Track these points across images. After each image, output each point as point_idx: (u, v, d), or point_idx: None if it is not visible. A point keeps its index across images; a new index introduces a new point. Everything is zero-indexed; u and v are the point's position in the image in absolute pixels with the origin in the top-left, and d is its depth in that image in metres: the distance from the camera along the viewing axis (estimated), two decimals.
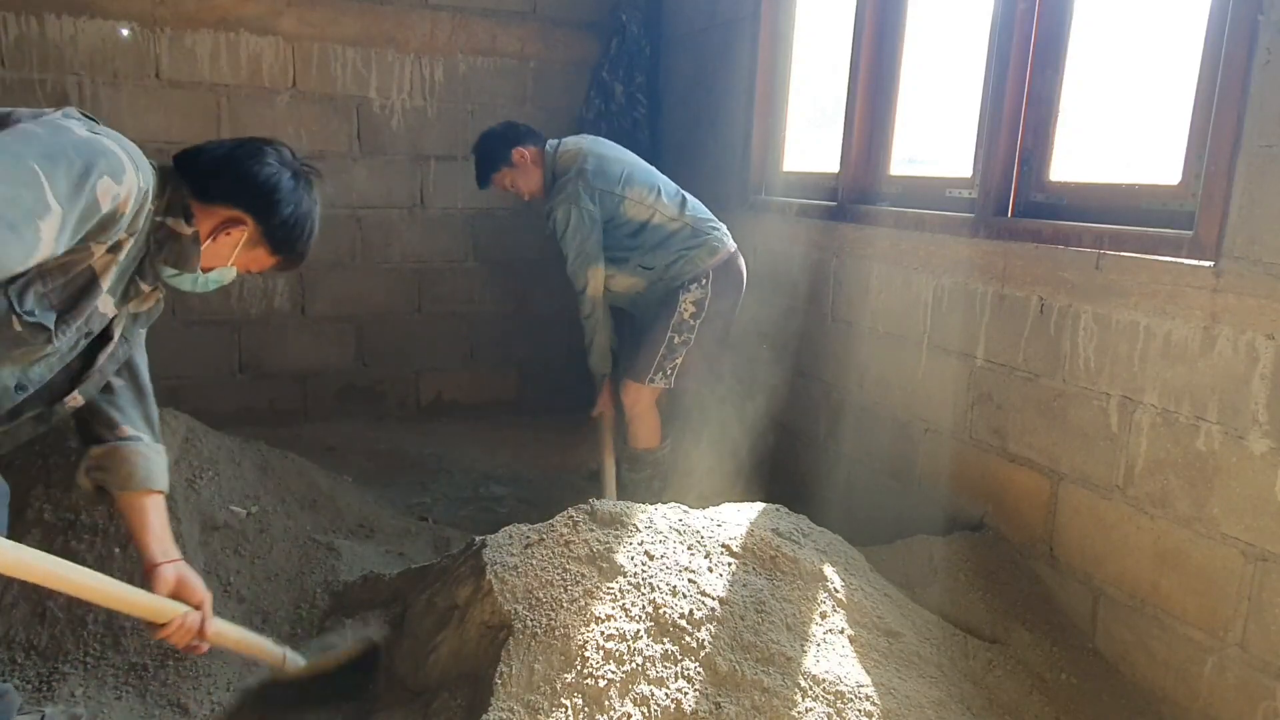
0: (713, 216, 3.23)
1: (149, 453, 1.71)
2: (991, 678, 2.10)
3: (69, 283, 1.41)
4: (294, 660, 1.92)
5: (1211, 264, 1.95)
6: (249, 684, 2.09)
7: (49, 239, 1.24)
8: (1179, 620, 2.07)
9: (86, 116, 1.42)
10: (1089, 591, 2.28)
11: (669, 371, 3.16)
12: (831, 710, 1.81)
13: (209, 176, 1.57)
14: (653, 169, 3.25)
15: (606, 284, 3.15)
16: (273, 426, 3.98)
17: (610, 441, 3.31)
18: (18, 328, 1.36)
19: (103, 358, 1.62)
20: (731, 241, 3.20)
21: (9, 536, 1.41)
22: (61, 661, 2.08)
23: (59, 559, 1.41)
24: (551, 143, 3.22)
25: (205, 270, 1.64)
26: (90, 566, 1.60)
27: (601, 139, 3.34)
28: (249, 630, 1.85)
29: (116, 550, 2.22)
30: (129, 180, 1.36)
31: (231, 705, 2.07)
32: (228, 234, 1.59)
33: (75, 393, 1.60)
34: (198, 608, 1.68)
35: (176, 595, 1.66)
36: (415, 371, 4.60)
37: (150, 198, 1.46)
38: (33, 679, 2.05)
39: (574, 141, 3.23)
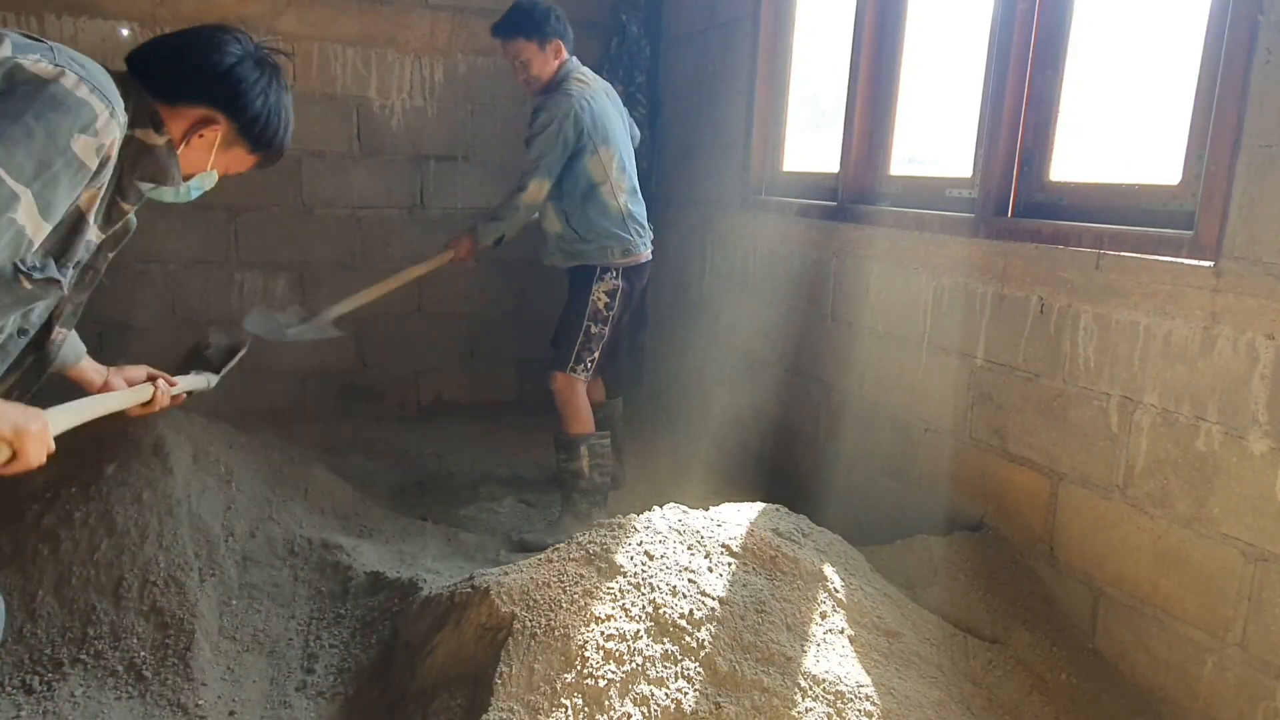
0: (646, 221, 3.29)
1: (74, 339, 1.71)
2: (991, 678, 2.10)
3: (59, 226, 1.34)
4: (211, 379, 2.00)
5: (1211, 264, 1.95)
6: None
7: (31, 224, 1.19)
8: (1179, 620, 2.07)
9: (30, 38, 1.29)
10: (1089, 591, 2.28)
11: (588, 364, 3.22)
12: (831, 710, 1.81)
13: (168, 75, 1.44)
14: (630, 152, 3.30)
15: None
16: (273, 426, 3.98)
17: (419, 269, 3.39)
18: (28, 286, 1.32)
19: (79, 288, 1.55)
20: (649, 250, 3.29)
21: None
22: (62, 661, 2.08)
23: (69, 405, 1.49)
24: (576, 60, 3.24)
25: (185, 179, 1.54)
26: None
27: (612, 99, 3.34)
28: (190, 376, 1.93)
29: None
30: (105, 125, 1.26)
31: None
32: (200, 136, 1.48)
33: (57, 327, 1.55)
34: (150, 381, 1.76)
35: (131, 384, 1.75)
36: (415, 371, 4.60)
37: (124, 124, 1.36)
38: (33, 679, 2.05)
39: (590, 74, 3.26)
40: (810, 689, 1.83)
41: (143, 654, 2.12)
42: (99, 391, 1.72)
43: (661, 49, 4.56)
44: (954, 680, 2.06)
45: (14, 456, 1.28)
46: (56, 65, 1.23)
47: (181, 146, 1.48)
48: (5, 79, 1.19)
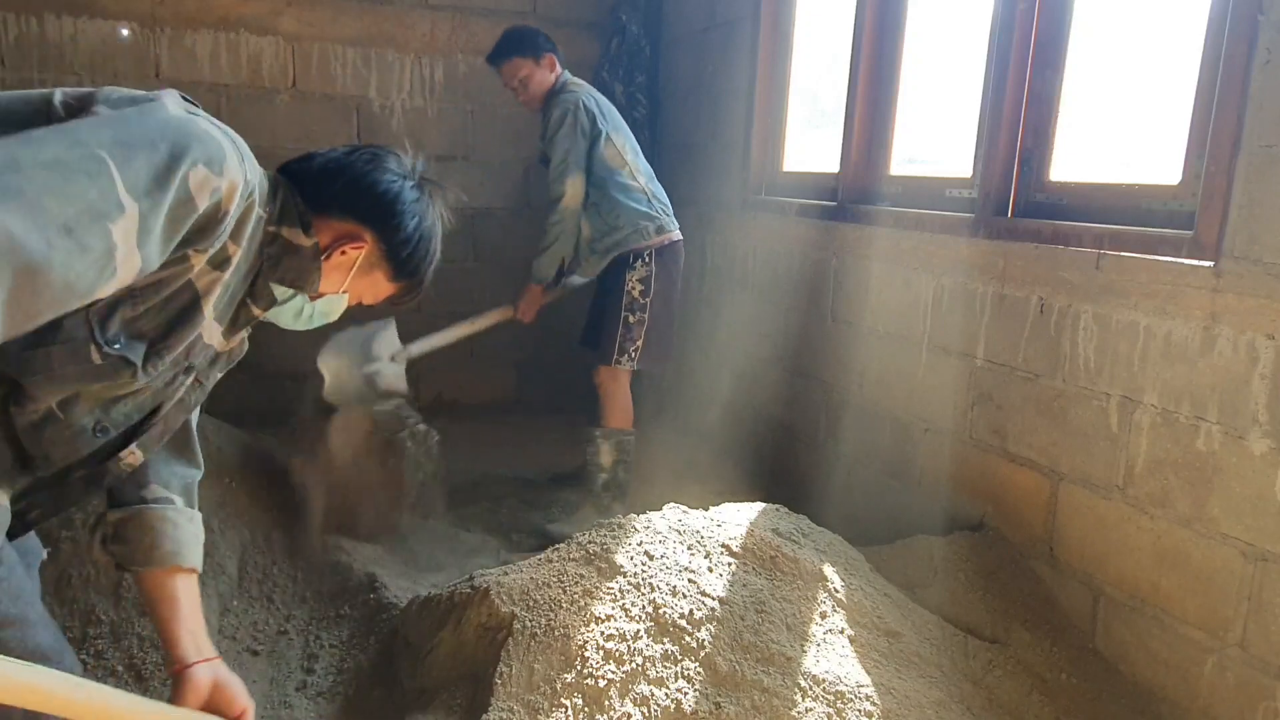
0: (668, 202, 3.33)
1: (179, 519, 1.37)
2: (991, 678, 2.10)
3: (165, 304, 1.14)
4: None
5: (1211, 264, 1.95)
6: None
7: (127, 247, 0.97)
8: (1179, 620, 2.07)
9: (187, 100, 1.16)
10: (1089, 591, 2.28)
11: (631, 353, 3.23)
12: (831, 710, 1.81)
13: (322, 182, 1.32)
14: (636, 142, 3.37)
15: None
16: (273, 426, 3.97)
17: (482, 321, 3.44)
18: (97, 360, 1.09)
19: (169, 405, 1.30)
20: (678, 230, 3.30)
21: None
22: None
23: (71, 678, 1.01)
24: (569, 74, 3.36)
25: (314, 297, 1.38)
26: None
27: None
28: None
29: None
30: (232, 170, 1.09)
31: None
32: (343, 252, 1.33)
33: (133, 447, 1.28)
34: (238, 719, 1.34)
35: (211, 706, 1.32)
36: (415, 371, 4.60)
37: (260, 201, 1.21)
38: None
39: (583, 82, 3.38)
40: (810, 689, 1.83)
41: (142, 654, 2.12)
42: (176, 672, 1.31)
43: (661, 49, 4.56)
44: (954, 680, 2.06)
45: None
46: (191, 113, 1.11)
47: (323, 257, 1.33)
48: (132, 100, 1.07)
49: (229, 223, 1.12)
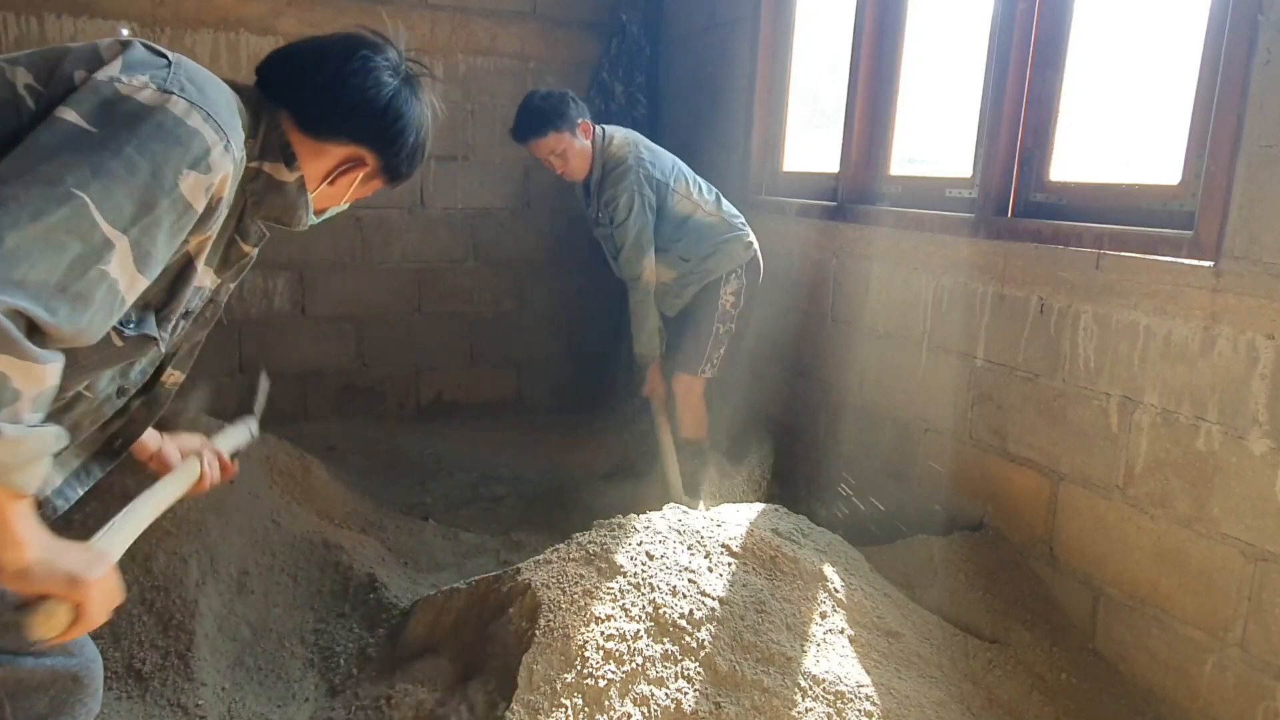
0: (739, 212, 3.30)
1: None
2: (991, 678, 2.10)
3: (163, 274, 1.14)
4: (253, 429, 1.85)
5: (1211, 264, 1.95)
6: None
7: (128, 276, 0.99)
8: (1179, 620, 2.07)
9: (153, 51, 1.11)
10: (1089, 591, 2.28)
11: (715, 361, 3.26)
12: (831, 710, 1.81)
13: (319, 108, 1.26)
14: (689, 169, 3.31)
15: None
16: (273, 426, 3.97)
17: (666, 423, 3.32)
18: (119, 343, 1.13)
19: (175, 338, 1.32)
20: (753, 236, 3.29)
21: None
22: None
23: (115, 522, 1.24)
24: (597, 128, 3.21)
25: (316, 213, 1.39)
26: None
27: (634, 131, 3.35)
28: (231, 430, 1.75)
29: None
30: (219, 161, 1.07)
31: None
32: (344, 174, 1.33)
33: (170, 368, 1.37)
34: (196, 454, 1.55)
35: (184, 455, 1.54)
36: (415, 371, 4.60)
37: (244, 157, 1.19)
38: None
39: (618, 130, 3.25)
40: (810, 689, 1.83)
41: (142, 654, 2.12)
42: (150, 459, 1.52)
43: (661, 49, 4.56)
44: (954, 680, 2.06)
45: (77, 617, 1.05)
46: (164, 90, 1.05)
47: (321, 185, 1.32)
48: (104, 105, 1.01)
49: (225, 203, 1.12)
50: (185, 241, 1.11)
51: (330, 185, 1.33)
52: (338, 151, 1.30)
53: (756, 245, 3.26)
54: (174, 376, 1.39)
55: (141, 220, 0.99)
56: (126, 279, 0.99)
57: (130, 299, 1.02)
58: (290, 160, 1.26)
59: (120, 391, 1.27)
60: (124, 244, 0.97)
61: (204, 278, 1.25)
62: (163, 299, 1.17)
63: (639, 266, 3.12)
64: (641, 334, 3.24)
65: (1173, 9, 2.34)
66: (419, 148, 1.38)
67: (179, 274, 1.17)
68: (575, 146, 3.09)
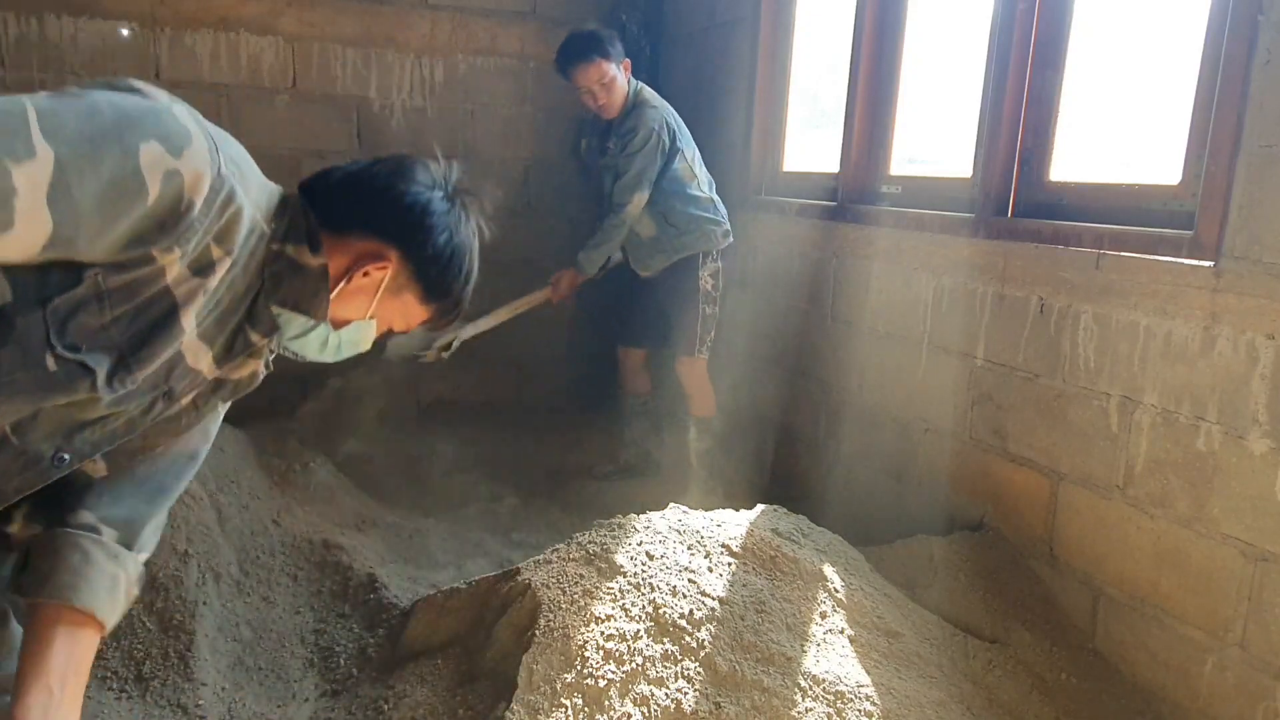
0: (726, 210, 3.50)
1: (95, 553, 1.14)
2: (991, 678, 2.10)
3: (138, 313, 1.00)
4: None
5: (1211, 264, 1.95)
6: None
7: (33, 200, 0.85)
8: (1179, 620, 2.07)
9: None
10: (1089, 591, 2.28)
11: (709, 342, 3.45)
12: (831, 710, 1.81)
13: (340, 196, 1.19)
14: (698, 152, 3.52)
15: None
16: (273, 426, 3.97)
17: (523, 304, 3.59)
18: (52, 366, 0.96)
19: (147, 418, 1.14)
20: (733, 235, 3.52)
21: None
22: None
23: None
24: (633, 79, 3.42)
25: (337, 325, 1.24)
26: None
27: None
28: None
29: None
30: (196, 160, 0.95)
31: None
32: (366, 274, 1.19)
33: (96, 456, 1.15)
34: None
35: None
36: (416, 371, 4.60)
37: (264, 216, 1.10)
38: None
39: (654, 92, 3.45)
40: (810, 689, 1.83)
41: (142, 654, 2.12)
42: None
43: (661, 49, 4.56)
44: (954, 680, 2.06)
45: None
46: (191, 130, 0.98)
47: (341, 284, 1.19)
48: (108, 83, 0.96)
49: (197, 219, 0.98)
50: (148, 253, 0.96)
51: (349, 285, 1.19)
52: (356, 245, 1.19)
53: (732, 239, 3.45)
54: (93, 465, 1.17)
55: (78, 150, 0.87)
56: (30, 202, 0.85)
57: (20, 229, 0.86)
58: (315, 245, 1.15)
59: (56, 458, 1.08)
60: (47, 157, 0.85)
61: (199, 356, 1.12)
62: (132, 345, 1.02)
63: (630, 196, 3.27)
64: (595, 252, 3.43)
65: (1173, 9, 2.34)
66: (454, 256, 1.25)
67: (157, 322, 1.02)
68: (619, 80, 3.29)
